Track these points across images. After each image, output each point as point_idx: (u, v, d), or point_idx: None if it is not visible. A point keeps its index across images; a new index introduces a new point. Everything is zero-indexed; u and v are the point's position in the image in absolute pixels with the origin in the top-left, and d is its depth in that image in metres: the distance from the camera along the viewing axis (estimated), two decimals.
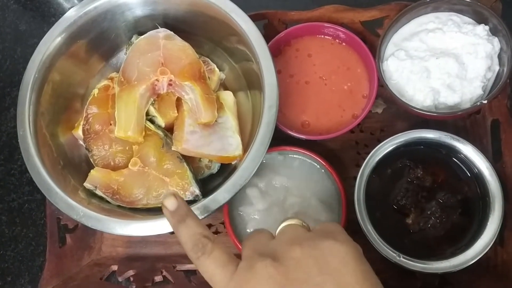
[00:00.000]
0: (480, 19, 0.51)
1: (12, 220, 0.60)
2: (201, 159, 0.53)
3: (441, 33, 0.51)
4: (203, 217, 0.45)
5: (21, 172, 0.61)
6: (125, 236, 0.54)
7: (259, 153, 0.46)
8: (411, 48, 0.52)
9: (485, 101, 0.47)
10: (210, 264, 0.33)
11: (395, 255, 0.46)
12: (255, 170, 0.46)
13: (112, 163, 0.52)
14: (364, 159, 0.50)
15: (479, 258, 0.45)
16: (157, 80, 0.50)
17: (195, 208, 0.46)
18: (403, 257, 0.45)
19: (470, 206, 0.48)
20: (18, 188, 0.61)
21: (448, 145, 0.48)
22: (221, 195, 0.46)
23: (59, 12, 0.65)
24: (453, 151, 0.49)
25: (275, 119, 0.47)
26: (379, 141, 0.50)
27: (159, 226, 0.46)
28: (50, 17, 0.66)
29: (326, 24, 0.54)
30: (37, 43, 0.52)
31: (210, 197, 0.46)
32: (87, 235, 0.56)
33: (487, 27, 0.50)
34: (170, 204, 0.37)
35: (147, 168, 0.50)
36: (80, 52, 0.55)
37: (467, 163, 0.48)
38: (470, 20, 0.52)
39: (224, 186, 0.46)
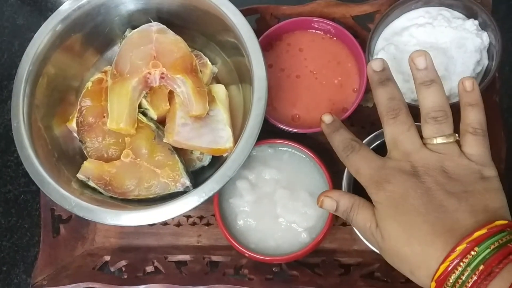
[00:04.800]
0: (470, 14, 0.51)
1: (8, 211, 0.61)
2: (193, 151, 0.53)
3: (431, 27, 0.51)
4: (192, 207, 0.46)
5: (17, 164, 0.62)
6: (116, 226, 0.55)
7: (247, 144, 0.47)
8: (401, 42, 0.52)
9: None
10: (358, 159, 0.41)
11: None
12: (244, 161, 0.46)
13: (105, 155, 0.53)
14: None
15: None
16: (149, 73, 0.51)
17: (187, 198, 0.46)
18: None
19: None
20: (14, 179, 0.62)
21: None
22: (210, 186, 0.46)
23: (56, 7, 0.64)
24: None
25: (264, 111, 0.47)
26: (369, 135, 0.51)
27: (149, 216, 0.47)
28: (47, 12, 0.67)
29: (315, 19, 0.54)
30: None
31: (199, 188, 0.46)
32: (81, 226, 0.57)
33: (476, 22, 0.50)
34: (327, 118, 0.46)
35: (138, 159, 0.51)
36: (75, 45, 0.56)
37: None
38: (460, 15, 0.52)
39: (213, 177, 0.46)
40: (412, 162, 0.39)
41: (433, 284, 0.34)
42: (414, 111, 0.42)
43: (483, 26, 0.50)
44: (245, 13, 0.53)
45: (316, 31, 0.56)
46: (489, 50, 0.50)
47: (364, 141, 0.50)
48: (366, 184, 0.40)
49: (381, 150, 0.50)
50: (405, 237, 0.37)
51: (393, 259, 0.38)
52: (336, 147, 0.44)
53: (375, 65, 0.43)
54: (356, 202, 0.42)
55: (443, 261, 0.34)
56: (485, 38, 0.50)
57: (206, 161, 0.54)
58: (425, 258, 0.36)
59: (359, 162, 0.41)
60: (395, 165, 0.39)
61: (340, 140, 0.44)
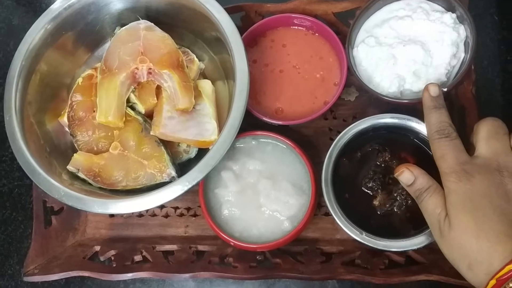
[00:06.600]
0: (448, 7, 0.52)
1: (3, 204, 0.63)
2: (179, 144, 0.55)
3: (410, 20, 0.52)
4: (176, 196, 0.48)
5: (12, 159, 0.64)
6: (104, 214, 0.57)
7: (230, 135, 0.48)
8: (381, 35, 0.53)
9: (445, 89, 0.48)
10: (449, 146, 0.41)
11: (358, 232, 0.47)
12: (226, 151, 0.48)
13: (95, 148, 0.55)
14: None
15: None
16: (136, 68, 0.53)
17: (170, 187, 0.48)
18: (366, 235, 0.47)
19: None
20: (8, 174, 0.64)
21: (406, 127, 0.50)
22: (194, 175, 0.48)
23: None
24: (413, 133, 0.50)
25: (245, 103, 0.49)
26: None
27: (135, 205, 0.49)
28: (42, 12, 0.69)
29: (296, 15, 0.56)
30: None
31: (183, 177, 0.48)
32: (72, 218, 0.59)
33: (454, 15, 0.51)
34: (433, 90, 0.44)
35: (126, 151, 0.53)
36: (66, 43, 0.58)
37: (428, 143, 0.50)
38: (439, 7, 0.53)
39: (197, 166, 0.48)
40: (500, 163, 0.40)
41: (493, 281, 0.35)
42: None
43: (461, 20, 0.51)
44: (230, 10, 0.55)
45: (299, 28, 0.58)
46: (465, 43, 0.51)
47: (341, 133, 0.51)
48: (447, 171, 0.40)
49: (359, 143, 0.51)
50: (475, 231, 0.37)
51: (453, 250, 0.39)
52: (430, 125, 0.43)
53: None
54: (434, 186, 0.42)
55: (510, 262, 0.35)
56: (461, 31, 0.51)
57: (193, 153, 0.55)
58: (490, 255, 0.36)
59: (448, 149, 0.41)
60: (483, 163, 0.40)
61: (438, 119, 0.43)
